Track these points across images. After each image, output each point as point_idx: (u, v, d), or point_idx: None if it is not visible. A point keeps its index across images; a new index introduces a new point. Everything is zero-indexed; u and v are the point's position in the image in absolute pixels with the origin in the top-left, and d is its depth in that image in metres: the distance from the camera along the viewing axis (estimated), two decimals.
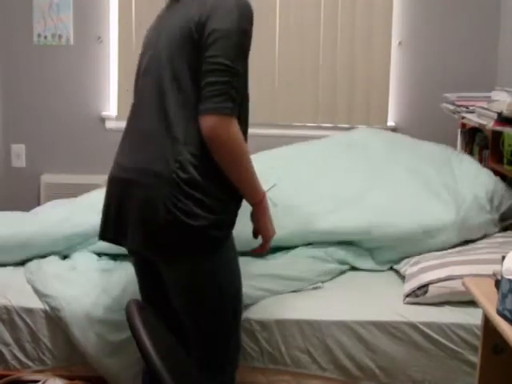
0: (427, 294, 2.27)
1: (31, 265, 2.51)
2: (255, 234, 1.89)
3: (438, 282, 2.27)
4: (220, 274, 1.82)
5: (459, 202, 2.62)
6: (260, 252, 1.93)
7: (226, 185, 1.75)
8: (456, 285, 2.21)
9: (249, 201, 1.83)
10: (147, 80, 1.84)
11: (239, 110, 1.73)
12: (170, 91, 1.75)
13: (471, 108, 3.06)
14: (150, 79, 1.82)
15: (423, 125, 3.81)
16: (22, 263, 2.56)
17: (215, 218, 1.72)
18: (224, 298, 1.85)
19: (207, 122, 1.67)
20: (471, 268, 2.27)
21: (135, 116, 1.89)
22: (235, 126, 1.69)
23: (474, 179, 2.76)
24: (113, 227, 1.85)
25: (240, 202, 1.83)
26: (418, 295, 2.28)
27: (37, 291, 2.35)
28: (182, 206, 1.69)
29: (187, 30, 1.73)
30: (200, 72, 1.70)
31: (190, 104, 1.72)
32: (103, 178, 3.97)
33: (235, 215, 1.82)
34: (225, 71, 1.67)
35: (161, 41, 1.83)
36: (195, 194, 1.70)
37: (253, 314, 2.26)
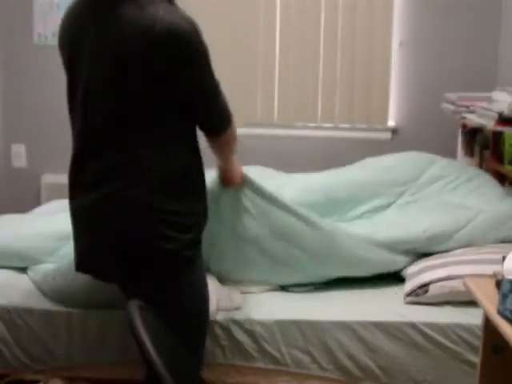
0: (428, 294, 2.27)
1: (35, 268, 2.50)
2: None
3: (438, 282, 2.27)
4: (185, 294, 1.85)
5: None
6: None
7: (190, 204, 1.81)
8: (457, 284, 2.21)
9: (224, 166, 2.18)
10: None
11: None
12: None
13: (472, 108, 3.06)
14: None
15: (423, 125, 3.81)
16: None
17: (187, 237, 1.78)
18: (189, 317, 1.86)
19: (216, 138, 1.93)
20: (472, 268, 2.27)
21: None
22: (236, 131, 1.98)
23: None
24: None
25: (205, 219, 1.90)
26: (419, 294, 2.28)
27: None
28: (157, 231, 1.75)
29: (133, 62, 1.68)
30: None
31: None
32: None
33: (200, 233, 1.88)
34: (214, 89, 1.85)
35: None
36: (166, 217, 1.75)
37: (253, 314, 2.26)
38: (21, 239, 2.54)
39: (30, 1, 3.89)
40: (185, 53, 1.69)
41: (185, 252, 1.78)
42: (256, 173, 3.03)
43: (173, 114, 1.75)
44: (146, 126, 1.73)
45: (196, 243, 1.85)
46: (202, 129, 1.86)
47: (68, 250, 2.41)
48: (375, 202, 2.78)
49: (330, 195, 2.73)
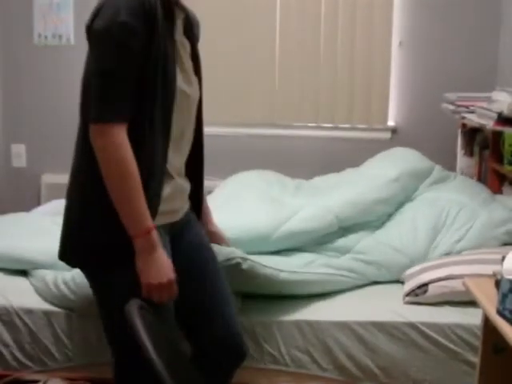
0: (427, 294, 2.27)
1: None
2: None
3: (437, 282, 2.27)
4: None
5: None
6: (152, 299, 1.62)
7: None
8: (456, 284, 2.21)
9: (128, 231, 1.59)
10: None
11: (146, 121, 1.61)
12: None
13: (471, 108, 3.05)
14: None
15: (423, 125, 3.81)
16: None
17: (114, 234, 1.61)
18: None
19: (90, 133, 1.60)
20: (471, 268, 2.26)
21: None
22: (116, 135, 1.55)
23: None
24: None
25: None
26: (418, 294, 2.28)
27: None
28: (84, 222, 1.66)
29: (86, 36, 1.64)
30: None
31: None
32: None
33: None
34: (99, 73, 1.57)
35: None
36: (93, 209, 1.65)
37: (253, 314, 2.26)
38: (22, 245, 2.53)
39: (30, 1, 3.90)
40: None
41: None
42: (258, 178, 3.04)
43: None
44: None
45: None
46: None
47: None
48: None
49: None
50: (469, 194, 2.75)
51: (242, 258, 2.16)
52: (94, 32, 1.57)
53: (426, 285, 2.28)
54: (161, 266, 1.61)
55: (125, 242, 1.59)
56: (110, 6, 1.55)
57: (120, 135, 1.56)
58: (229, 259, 2.12)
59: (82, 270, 1.76)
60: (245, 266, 2.16)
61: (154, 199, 1.63)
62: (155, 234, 1.60)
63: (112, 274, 1.64)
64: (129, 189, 1.57)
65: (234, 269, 2.13)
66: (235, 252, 2.16)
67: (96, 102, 1.57)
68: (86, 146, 1.65)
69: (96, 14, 1.58)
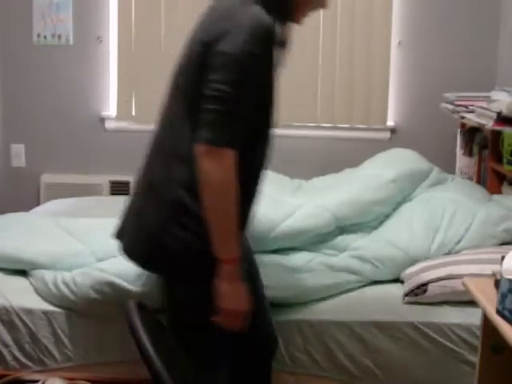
0: (427, 293, 2.27)
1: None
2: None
3: (437, 281, 2.27)
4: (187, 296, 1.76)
5: None
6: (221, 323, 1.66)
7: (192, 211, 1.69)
8: (456, 284, 2.21)
9: (217, 254, 1.60)
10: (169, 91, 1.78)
11: (252, 144, 1.66)
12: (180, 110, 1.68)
13: (471, 108, 3.06)
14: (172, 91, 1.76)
15: (423, 125, 3.81)
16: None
17: (198, 246, 1.64)
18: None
19: (198, 152, 1.56)
20: (471, 267, 2.27)
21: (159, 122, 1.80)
22: (226, 160, 1.55)
23: None
24: None
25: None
26: (418, 294, 2.28)
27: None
28: (169, 227, 1.66)
29: (198, 47, 1.62)
30: (200, 95, 1.59)
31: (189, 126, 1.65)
32: (103, 178, 4.03)
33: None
34: (223, 99, 1.55)
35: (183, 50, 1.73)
36: (183, 218, 1.64)
37: None
38: (22, 245, 2.52)
39: (29, 1, 3.89)
40: None
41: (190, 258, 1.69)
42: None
43: None
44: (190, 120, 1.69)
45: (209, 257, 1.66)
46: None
47: (70, 259, 2.43)
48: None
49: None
50: (465, 194, 2.75)
51: None
52: (223, 55, 1.55)
53: (425, 284, 2.28)
54: (242, 296, 1.64)
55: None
56: (239, 33, 1.54)
57: (231, 160, 1.56)
58: None
59: (168, 277, 1.78)
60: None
61: (246, 221, 1.72)
62: (240, 263, 1.63)
63: (199, 285, 1.67)
64: (229, 215, 1.58)
65: None
66: None
67: (213, 124, 1.55)
68: (182, 158, 1.64)
69: (221, 35, 1.56)
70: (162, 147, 1.73)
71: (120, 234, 1.83)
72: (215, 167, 1.54)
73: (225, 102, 1.55)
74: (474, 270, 2.24)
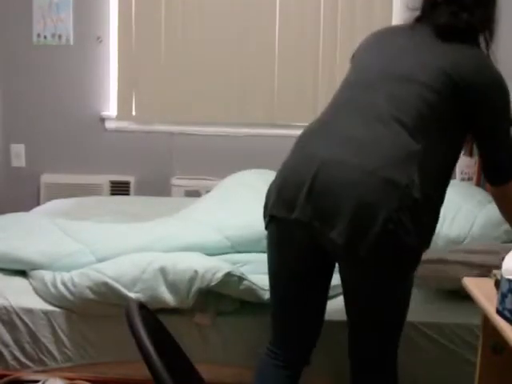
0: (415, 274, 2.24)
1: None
2: None
3: (427, 263, 2.25)
4: (399, 291, 1.86)
5: None
6: None
7: (433, 215, 1.81)
8: (446, 269, 2.20)
9: None
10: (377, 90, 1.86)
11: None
12: (425, 115, 1.78)
13: None
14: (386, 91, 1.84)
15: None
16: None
17: (419, 241, 1.76)
18: (396, 312, 1.90)
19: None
20: (464, 255, 2.26)
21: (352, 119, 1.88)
22: None
23: None
24: (304, 206, 1.78)
25: (431, 237, 1.84)
26: None
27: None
28: (403, 222, 1.69)
29: (449, 76, 1.79)
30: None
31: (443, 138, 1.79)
32: (103, 178, 4.03)
33: (425, 247, 1.83)
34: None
35: (412, 66, 1.85)
36: (415, 214, 1.71)
37: (252, 314, 2.26)
38: (21, 246, 2.52)
39: (29, 1, 3.89)
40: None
41: (413, 254, 1.80)
42: (255, 178, 3.03)
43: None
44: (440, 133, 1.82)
45: (421, 252, 1.84)
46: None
47: (69, 259, 2.43)
48: None
49: None
50: (465, 196, 2.75)
51: (239, 277, 2.21)
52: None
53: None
54: None
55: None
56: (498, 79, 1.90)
57: None
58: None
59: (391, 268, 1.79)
60: (242, 286, 2.21)
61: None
62: None
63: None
64: None
65: (230, 284, 2.20)
66: (235, 270, 2.22)
67: None
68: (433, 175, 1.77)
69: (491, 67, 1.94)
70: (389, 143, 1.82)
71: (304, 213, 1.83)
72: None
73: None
74: (468, 257, 2.24)
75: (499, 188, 1.91)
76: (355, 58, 2.10)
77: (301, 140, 1.90)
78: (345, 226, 1.71)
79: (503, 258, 1.59)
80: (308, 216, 1.76)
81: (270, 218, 1.88)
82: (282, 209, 1.82)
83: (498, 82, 1.87)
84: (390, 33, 2.07)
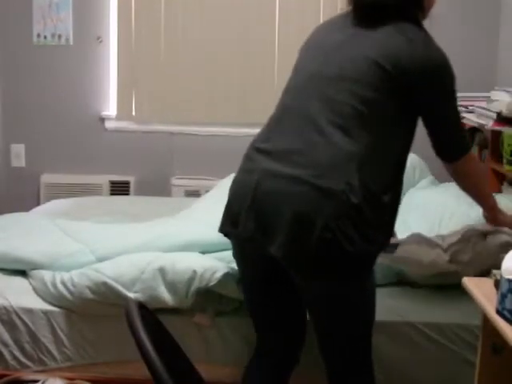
0: (394, 253, 2.22)
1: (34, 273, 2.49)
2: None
3: (411, 244, 2.24)
4: (354, 300, 1.82)
5: None
6: None
7: (387, 212, 1.76)
8: (426, 252, 2.21)
9: (483, 207, 2.06)
10: (315, 92, 1.82)
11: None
12: (355, 114, 1.73)
13: (470, 108, 3.06)
14: (322, 93, 1.79)
15: (422, 124, 3.80)
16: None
17: (368, 246, 1.71)
18: (355, 321, 1.86)
19: (463, 162, 1.87)
20: (450, 239, 2.27)
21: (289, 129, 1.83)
22: (473, 154, 1.94)
23: None
24: (246, 222, 1.78)
25: (388, 236, 1.83)
26: (386, 251, 2.22)
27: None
28: (342, 229, 1.66)
29: (380, 66, 1.73)
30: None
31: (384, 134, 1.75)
32: (103, 178, 4.03)
33: (380, 250, 1.81)
34: (456, 109, 1.86)
35: (341, 62, 1.80)
36: (357, 219, 1.67)
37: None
38: (21, 246, 2.52)
39: (29, 1, 3.89)
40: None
41: (359, 259, 1.74)
42: None
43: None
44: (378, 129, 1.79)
45: (373, 256, 1.81)
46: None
47: (69, 259, 2.42)
48: None
49: None
50: (461, 197, 2.75)
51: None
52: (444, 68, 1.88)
53: (398, 245, 2.22)
54: None
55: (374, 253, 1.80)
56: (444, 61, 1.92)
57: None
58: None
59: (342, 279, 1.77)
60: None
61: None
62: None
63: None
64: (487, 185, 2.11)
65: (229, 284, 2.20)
66: (234, 270, 2.21)
67: (462, 136, 1.89)
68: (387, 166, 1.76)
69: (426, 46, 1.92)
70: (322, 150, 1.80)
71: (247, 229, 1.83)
72: (475, 163, 1.99)
73: (457, 111, 1.92)
74: (451, 240, 2.25)
75: (452, 165, 1.89)
76: (297, 60, 2.08)
77: (246, 154, 1.91)
78: (283, 238, 1.70)
79: (503, 258, 1.59)
80: (250, 230, 1.77)
81: (224, 235, 1.93)
82: (229, 225, 1.86)
83: (436, 62, 1.85)
84: (329, 27, 2.02)
